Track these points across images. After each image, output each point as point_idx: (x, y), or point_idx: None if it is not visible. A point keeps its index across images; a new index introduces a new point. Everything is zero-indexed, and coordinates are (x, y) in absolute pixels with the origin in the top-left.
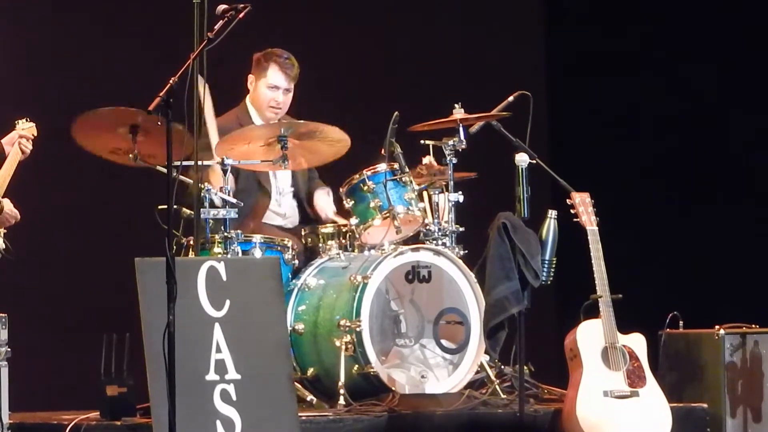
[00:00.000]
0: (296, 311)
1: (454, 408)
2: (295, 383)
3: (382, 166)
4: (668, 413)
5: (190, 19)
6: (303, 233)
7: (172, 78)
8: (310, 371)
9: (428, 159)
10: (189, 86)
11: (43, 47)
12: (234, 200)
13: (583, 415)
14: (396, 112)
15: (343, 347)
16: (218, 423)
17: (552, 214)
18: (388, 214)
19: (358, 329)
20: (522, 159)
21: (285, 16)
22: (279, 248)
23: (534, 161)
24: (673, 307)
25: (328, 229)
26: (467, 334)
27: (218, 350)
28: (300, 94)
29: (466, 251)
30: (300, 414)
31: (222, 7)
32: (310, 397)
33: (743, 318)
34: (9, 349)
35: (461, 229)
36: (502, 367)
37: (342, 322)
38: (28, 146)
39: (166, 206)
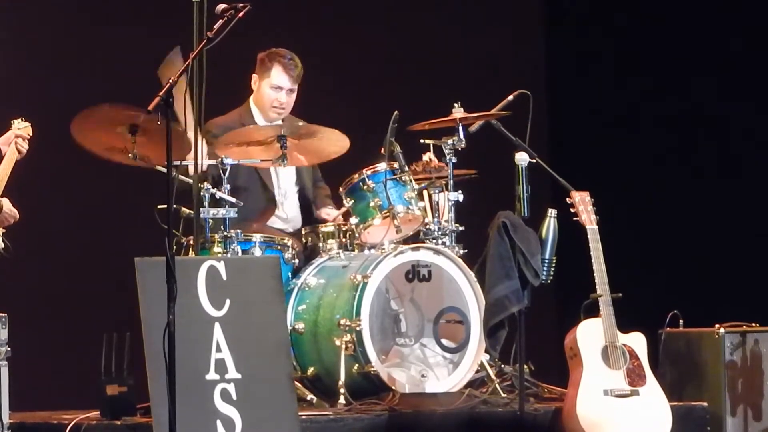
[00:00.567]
0: (296, 310)
1: (454, 407)
2: (296, 382)
3: (382, 166)
4: (668, 412)
5: (189, 19)
6: (303, 232)
7: (172, 77)
8: (311, 370)
9: (428, 155)
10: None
11: (40, 47)
12: (233, 199)
13: (583, 414)
14: (396, 112)
15: (344, 346)
16: (218, 422)
17: (552, 213)
18: (388, 214)
19: (358, 328)
20: (522, 158)
21: (285, 15)
22: (279, 247)
23: (534, 160)
24: (673, 305)
25: (328, 228)
26: (467, 333)
27: (218, 350)
28: (301, 93)
29: (466, 250)
30: (300, 413)
31: (221, 6)
32: (310, 396)
33: (743, 317)
34: (9, 349)
35: (461, 228)
36: (502, 366)
37: (342, 322)
38: (25, 146)
39: (165, 206)
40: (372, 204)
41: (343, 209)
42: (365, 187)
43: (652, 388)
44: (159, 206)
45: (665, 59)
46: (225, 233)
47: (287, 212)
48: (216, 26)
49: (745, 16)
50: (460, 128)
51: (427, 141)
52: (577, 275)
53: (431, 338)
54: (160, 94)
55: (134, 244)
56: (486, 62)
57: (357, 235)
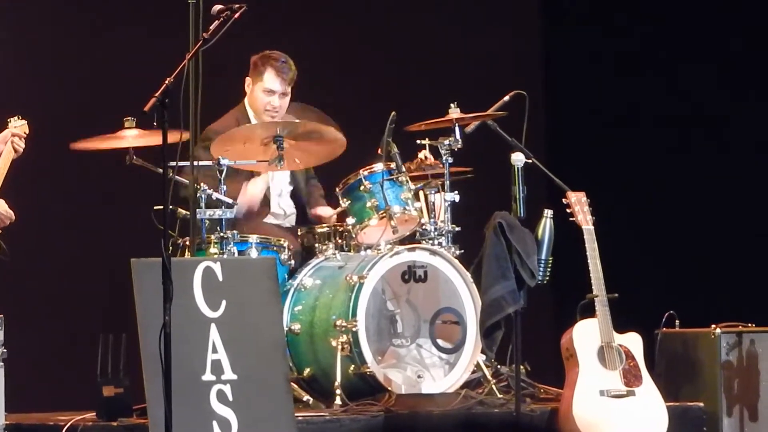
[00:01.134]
0: (292, 311)
1: (450, 408)
2: (292, 383)
3: (379, 166)
4: (664, 412)
5: (185, 20)
6: (299, 233)
7: (168, 78)
8: (307, 371)
9: (423, 153)
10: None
11: (37, 47)
12: (230, 200)
13: (579, 414)
14: (393, 112)
15: (340, 347)
16: (215, 423)
17: (548, 213)
18: (384, 214)
19: (354, 329)
20: (518, 158)
21: (281, 15)
22: (275, 248)
23: (530, 161)
24: (669, 306)
25: (324, 229)
26: (463, 333)
27: (214, 350)
28: (297, 94)
29: (463, 251)
30: (296, 414)
31: (217, 7)
32: (306, 397)
33: (739, 317)
34: (5, 350)
35: (457, 228)
36: (499, 366)
37: (338, 322)
38: (21, 144)
39: (162, 207)
40: (369, 204)
41: (339, 209)
42: (362, 187)
43: (648, 388)
44: (155, 207)
45: (664, 59)
46: (221, 234)
47: (284, 209)
48: (212, 27)
49: (745, 16)
50: (457, 129)
51: (423, 141)
52: (573, 276)
53: (427, 339)
54: (156, 95)
55: (130, 245)
56: (482, 63)
57: (353, 235)
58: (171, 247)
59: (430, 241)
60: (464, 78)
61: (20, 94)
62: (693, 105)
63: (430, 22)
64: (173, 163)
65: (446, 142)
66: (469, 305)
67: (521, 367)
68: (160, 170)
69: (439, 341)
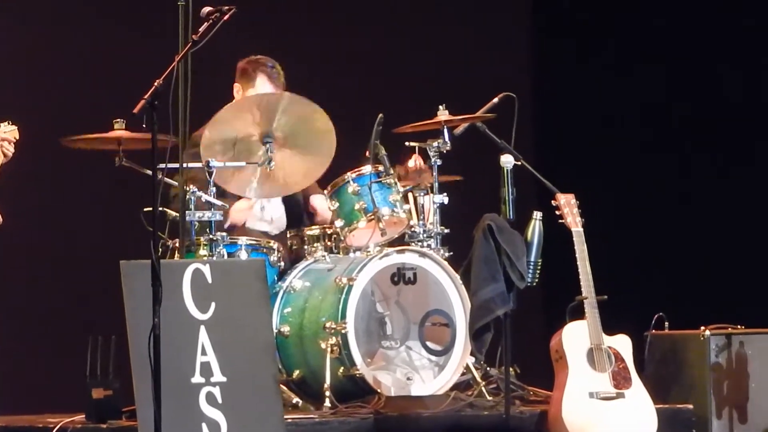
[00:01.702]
0: (282, 313)
1: (440, 410)
2: (281, 385)
3: (367, 168)
4: (654, 414)
5: (175, 21)
6: (288, 236)
7: (157, 80)
8: (296, 373)
9: (413, 160)
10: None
11: (27, 48)
12: (219, 202)
13: (568, 416)
14: (380, 114)
15: (329, 349)
16: (204, 425)
17: (537, 215)
18: (373, 216)
19: (343, 331)
20: (507, 160)
21: (269, 17)
22: (264, 250)
23: (519, 163)
24: (658, 308)
25: (313, 231)
26: (453, 335)
27: (204, 353)
28: None
29: (452, 253)
30: (286, 416)
31: (207, 9)
32: (295, 399)
33: (729, 319)
34: None
35: (446, 230)
36: (488, 368)
37: (327, 325)
38: (10, 149)
39: (151, 208)
40: (357, 207)
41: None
42: (350, 190)
43: (637, 390)
44: (144, 209)
45: (653, 60)
46: (211, 236)
47: (272, 215)
48: (201, 29)
49: (741, 16)
50: (445, 131)
51: (412, 143)
52: (562, 278)
53: (417, 341)
54: (146, 97)
55: (120, 247)
56: (471, 65)
57: (342, 238)
58: (160, 249)
59: (419, 243)
60: (453, 80)
61: (9, 94)
62: (684, 106)
63: (419, 24)
64: (162, 165)
65: (435, 144)
66: (459, 307)
67: (510, 369)
68: (149, 172)
69: (429, 343)
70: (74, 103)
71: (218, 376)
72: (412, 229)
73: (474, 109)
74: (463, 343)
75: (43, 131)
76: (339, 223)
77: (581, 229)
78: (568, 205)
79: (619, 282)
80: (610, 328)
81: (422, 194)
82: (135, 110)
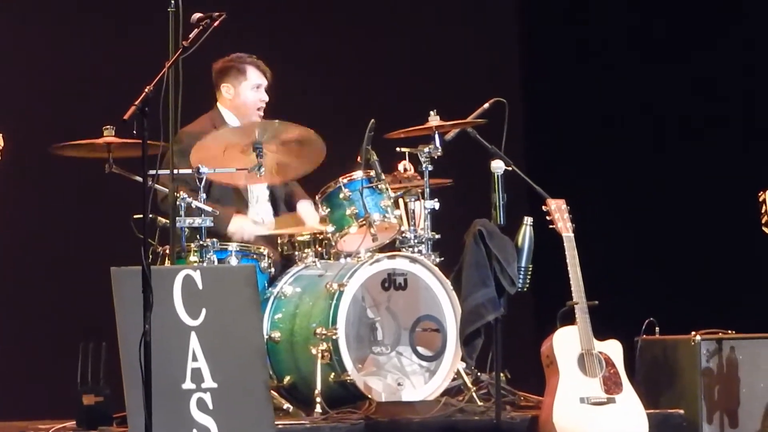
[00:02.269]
0: (272, 319)
1: (430, 415)
2: (272, 391)
3: (359, 174)
4: (645, 419)
5: (165, 28)
6: (279, 241)
7: (147, 87)
8: (287, 379)
9: (403, 165)
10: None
11: (13, 57)
12: (209, 209)
13: (559, 421)
14: (372, 120)
15: (320, 355)
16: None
17: (528, 220)
18: (364, 222)
19: (334, 337)
20: (498, 166)
21: (260, 22)
22: (255, 256)
23: (510, 168)
24: (649, 313)
25: (304, 237)
26: (443, 341)
27: (194, 359)
28: (277, 101)
29: (443, 258)
30: (276, 422)
31: (197, 15)
32: (286, 405)
33: (719, 324)
34: None
35: (437, 236)
36: (479, 374)
37: (318, 330)
38: None
39: (141, 215)
40: (348, 212)
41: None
42: (341, 195)
43: (628, 395)
44: (135, 215)
45: (641, 65)
46: (201, 242)
47: (262, 216)
48: (192, 35)
49: (730, 17)
50: (436, 136)
51: (403, 149)
52: (553, 283)
53: (407, 346)
54: (136, 103)
55: (110, 254)
56: (462, 70)
57: (333, 243)
58: (151, 255)
59: (410, 249)
60: (444, 85)
61: None
62: (674, 109)
63: (409, 30)
64: (153, 172)
65: (426, 149)
66: (449, 313)
67: (501, 374)
68: (140, 179)
69: (420, 349)
70: (64, 109)
71: (209, 382)
72: (403, 234)
73: (465, 114)
74: (454, 348)
75: (32, 138)
76: (330, 228)
77: (572, 234)
78: (558, 210)
79: (610, 287)
80: (601, 333)
81: (413, 200)
82: (125, 116)
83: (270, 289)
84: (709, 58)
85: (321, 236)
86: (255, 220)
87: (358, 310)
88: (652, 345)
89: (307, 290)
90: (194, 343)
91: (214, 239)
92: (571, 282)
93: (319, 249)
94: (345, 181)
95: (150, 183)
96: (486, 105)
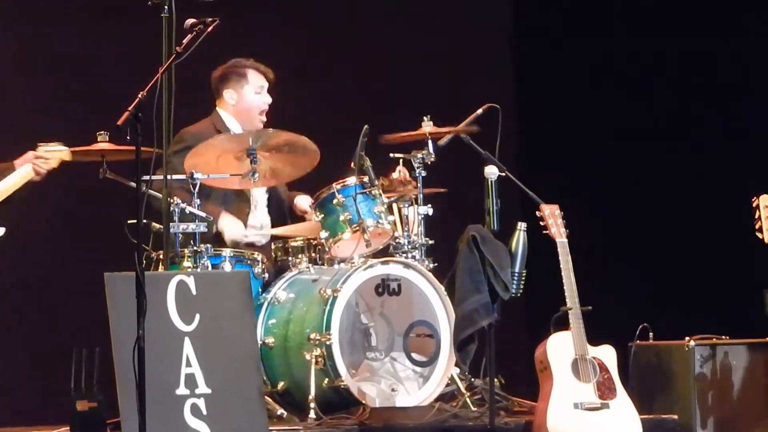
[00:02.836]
0: (266, 325)
1: (424, 421)
2: (266, 397)
3: (352, 180)
4: (639, 425)
5: (158, 33)
6: (273, 247)
7: (141, 92)
8: (281, 385)
9: (398, 171)
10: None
11: (6, 62)
12: (203, 214)
13: (553, 427)
14: (365, 126)
15: (314, 360)
16: None
17: (521, 226)
18: (357, 228)
19: (328, 342)
20: (491, 171)
21: (254, 28)
22: (249, 262)
23: (503, 174)
24: (643, 318)
25: (297, 242)
26: (437, 346)
27: (188, 364)
28: (270, 107)
29: (436, 264)
30: (270, 428)
31: (190, 20)
32: (280, 410)
33: (713, 329)
34: None
35: (431, 242)
36: (473, 379)
37: (312, 336)
38: (44, 167)
39: (135, 221)
40: (342, 218)
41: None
42: (335, 201)
43: (622, 400)
44: (129, 221)
45: (636, 71)
46: (195, 248)
47: (260, 220)
48: (185, 41)
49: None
50: (430, 142)
51: (396, 155)
52: (546, 288)
53: (401, 352)
54: (130, 108)
55: (104, 259)
56: (455, 76)
57: (327, 249)
58: (144, 261)
59: (404, 255)
60: (437, 91)
61: None
62: (666, 117)
63: (403, 36)
64: (146, 177)
65: (419, 155)
66: (443, 318)
67: (495, 380)
68: (133, 184)
69: (413, 354)
70: (57, 115)
71: (203, 388)
72: (397, 240)
73: (458, 120)
74: (448, 354)
75: (26, 144)
76: (323, 234)
77: (566, 240)
78: (552, 215)
79: (604, 292)
80: (594, 338)
81: (407, 205)
82: (119, 122)
83: (264, 294)
84: (708, 59)
85: (315, 242)
86: (254, 225)
87: (352, 315)
88: (646, 350)
89: (301, 296)
90: (188, 348)
91: (208, 245)
92: (564, 287)
93: (313, 255)
94: (338, 186)
95: (143, 188)
96: (479, 111)
